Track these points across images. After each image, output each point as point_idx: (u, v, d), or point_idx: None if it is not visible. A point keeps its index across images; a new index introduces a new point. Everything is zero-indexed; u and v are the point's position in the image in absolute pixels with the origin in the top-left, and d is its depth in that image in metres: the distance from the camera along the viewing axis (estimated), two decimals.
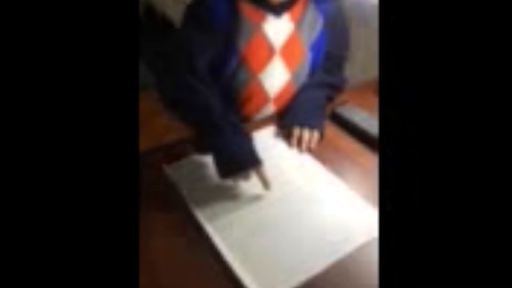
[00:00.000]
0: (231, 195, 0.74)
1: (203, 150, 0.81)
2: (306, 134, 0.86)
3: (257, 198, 0.74)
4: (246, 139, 0.78)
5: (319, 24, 0.93)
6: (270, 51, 0.89)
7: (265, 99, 0.96)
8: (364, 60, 1.35)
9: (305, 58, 0.94)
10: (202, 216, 0.69)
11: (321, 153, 0.85)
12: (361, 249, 0.65)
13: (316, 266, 0.61)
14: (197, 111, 0.81)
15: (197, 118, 0.81)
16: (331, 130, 0.93)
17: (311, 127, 0.87)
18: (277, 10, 0.87)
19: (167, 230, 0.68)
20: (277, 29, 0.88)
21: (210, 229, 0.67)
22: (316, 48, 0.95)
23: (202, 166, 0.81)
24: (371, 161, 0.84)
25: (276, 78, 0.93)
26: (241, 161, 0.73)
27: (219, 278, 0.60)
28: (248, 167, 0.73)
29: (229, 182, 0.75)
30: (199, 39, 0.87)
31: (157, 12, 2.56)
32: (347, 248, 0.64)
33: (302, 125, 0.87)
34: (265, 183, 0.73)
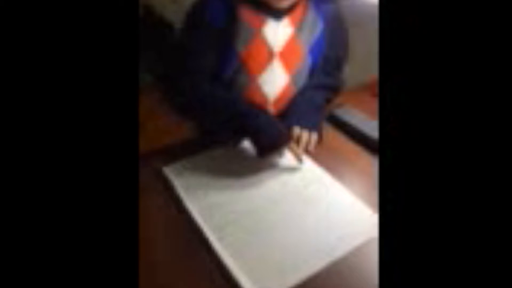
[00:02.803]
0: (228, 196, 0.75)
1: (227, 138, 0.90)
2: (304, 135, 0.87)
3: (254, 198, 0.74)
4: (274, 119, 0.86)
5: (319, 28, 0.93)
6: (269, 55, 0.89)
7: (264, 102, 0.95)
8: (362, 61, 1.35)
9: (304, 61, 0.94)
10: (199, 216, 0.70)
11: (318, 154, 0.86)
12: (358, 249, 0.65)
13: (313, 266, 0.62)
14: (220, 109, 0.87)
15: (222, 114, 0.87)
16: (329, 132, 0.93)
17: (310, 129, 0.88)
18: (277, 14, 0.87)
19: (166, 231, 0.68)
20: (277, 33, 0.88)
21: (207, 229, 0.67)
22: (315, 51, 0.95)
23: (200, 167, 0.81)
24: (368, 162, 0.84)
25: (275, 81, 0.93)
26: (275, 139, 0.83)
27: (217, 278, 0.61)
28: (281, 143, 0.82)
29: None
30: (199, 45, 0.88)
31: (155, 12, 2.56)
32: (344, 249, 0.65)
33: (301, 126, 0.88)
34: (298, 157, 0.82)
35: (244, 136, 0.87)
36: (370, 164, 0.84)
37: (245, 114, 0.85)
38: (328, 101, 1.01)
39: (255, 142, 0.83)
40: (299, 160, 0.82)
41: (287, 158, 0.84)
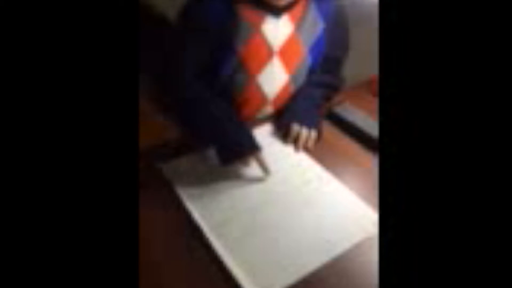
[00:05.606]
0: (227, 194, 0.75)
1: (203, 143, 0.86)
2: (303, 132, 0.87)
3: (253, 196, 0.74)
4: (244, 127, 0.83)
5: (319, 26, 0.93)
6: (269, 53, 0.89)
7: (263, 101, 0.95)
8: (362, 59, 1.35)
9: (304, 59, 0.94)
10: (197, 214, 0.70)
11: (317, 152, 0.86)
12: (358, 247, 0.65)
13: (312, 264, 0.62)
14: (197, 111, 0.85)
15: (196, 118, 0.85)
16: (329, 130, 0.93)
17: (309, 126, 0.88)
18: (277, 11, 0.86)
19: (165, 229, 0.68)
20: (276, 30, 0.88)
21: (205, 227, 0.67)
22: (316, 51, 0.95)
23: (198, 164, 0.81)
24: (367, 160, 0.85)
25: (274, 80, 0.93)
26: (239, 147, 0.78)
27: (217, 277, 0.61)
28: (246, 153, 0.77)
29: (229, 168, 0.78)
30: (191, 41, 0.87)
31: (154, 11, 2.55)
32: (343, 247, 0.65)
33: (300, 124, 0.88)
34: (264, 168, 0.77)
35: (211, 141, 0.82)
36: (370, 162, 0.84)
37: (217, 118, 0.82)
38: (327, 99, 1.01)
39: (216, 148, 0.79)
40: (266, 172, 0.77)
41: (254, 168, 0.78)
